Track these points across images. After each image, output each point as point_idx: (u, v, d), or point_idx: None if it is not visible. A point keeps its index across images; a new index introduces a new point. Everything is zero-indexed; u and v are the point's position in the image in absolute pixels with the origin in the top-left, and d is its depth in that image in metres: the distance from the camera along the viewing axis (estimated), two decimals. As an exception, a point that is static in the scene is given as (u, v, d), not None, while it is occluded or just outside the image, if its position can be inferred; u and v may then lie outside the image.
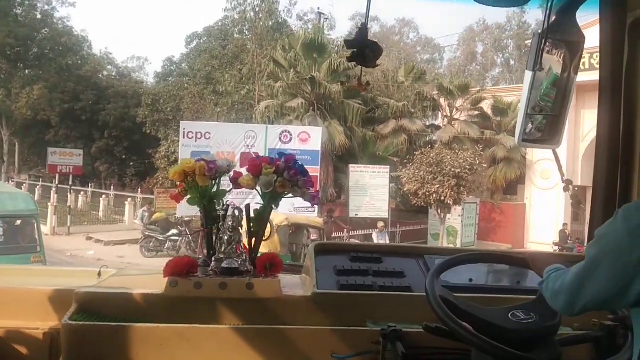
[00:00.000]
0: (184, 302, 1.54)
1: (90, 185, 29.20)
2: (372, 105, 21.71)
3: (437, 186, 15.47)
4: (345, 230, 15.43)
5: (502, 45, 52.11)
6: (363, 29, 1.59)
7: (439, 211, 16.94)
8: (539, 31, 1.62)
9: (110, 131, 30.84)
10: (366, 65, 1.60)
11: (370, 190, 14.80)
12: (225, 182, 1.69)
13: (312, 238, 10.95)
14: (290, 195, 1.65)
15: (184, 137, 12.87)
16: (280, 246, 10.04)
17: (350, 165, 15.23)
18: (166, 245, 14.93)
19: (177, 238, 14.96)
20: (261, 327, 1.53)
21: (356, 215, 14.97)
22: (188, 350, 1.47)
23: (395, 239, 19.08)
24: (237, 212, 1.61)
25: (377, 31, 47.70)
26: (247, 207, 1.65)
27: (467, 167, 15.60)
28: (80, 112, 30.11)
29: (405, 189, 16.24)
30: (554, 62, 1.66)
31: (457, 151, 16.34)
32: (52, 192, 21.85)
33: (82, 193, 25.62)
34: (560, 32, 1.65)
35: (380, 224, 13.78)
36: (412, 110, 21.84)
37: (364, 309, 1.60)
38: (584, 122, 21.01)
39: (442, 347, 1.42)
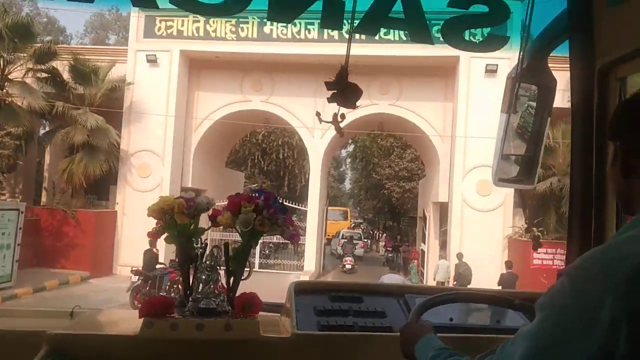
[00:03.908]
0: (160, 344, 1.51)
1: None
2: None
3: None
4: None
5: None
6: (343, 71, 1.67)
7: None
8: (513, 75, 1.69)
9: None
10: (346, 105, 1.69)
11: None
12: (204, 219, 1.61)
13: None
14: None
15: None
16: None
17: None
18: None
19: None
20: None
21: None
22: None
23: None
24: (215, 251, 1.60)
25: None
26: (226, 245, 1.65)
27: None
28: None
29: None
30: (526, 105, 1.75)
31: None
32: None
33: None
34: (533, 76, 1.73)
35: None
36: None
37: (344, 349, 1.63)
38: (199, 105, 16.68)
39: None
